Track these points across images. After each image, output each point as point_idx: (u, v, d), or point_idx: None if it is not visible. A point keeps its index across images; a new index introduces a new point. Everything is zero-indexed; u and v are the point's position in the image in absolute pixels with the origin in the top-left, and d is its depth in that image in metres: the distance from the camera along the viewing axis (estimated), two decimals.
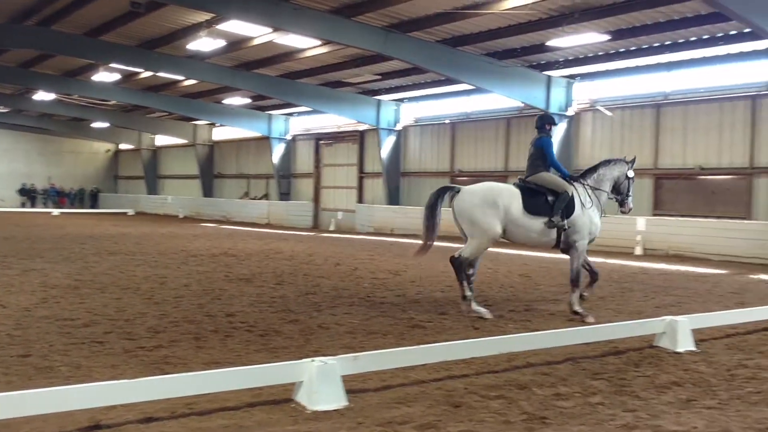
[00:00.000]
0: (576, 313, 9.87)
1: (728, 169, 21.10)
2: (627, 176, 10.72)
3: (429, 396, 6.03)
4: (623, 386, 6.42)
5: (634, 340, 8.17)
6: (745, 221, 19.98)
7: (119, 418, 5.23)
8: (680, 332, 7.94)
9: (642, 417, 5.53)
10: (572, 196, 10.11)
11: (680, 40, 20.33)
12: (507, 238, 10.29)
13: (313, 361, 5.76)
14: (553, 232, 10.07)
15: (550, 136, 10.65)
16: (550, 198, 10.10)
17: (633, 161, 10.94)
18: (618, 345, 8.04)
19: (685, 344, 7.94)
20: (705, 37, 19.82)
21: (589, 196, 10.32)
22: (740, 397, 6.12)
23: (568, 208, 10.04)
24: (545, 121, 10.77)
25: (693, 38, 20.04)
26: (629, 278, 14.84)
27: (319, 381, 5.64)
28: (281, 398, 5.83)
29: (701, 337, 8.42)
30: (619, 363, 7.34)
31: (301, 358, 6.43)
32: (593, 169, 10.67)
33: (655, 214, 22.38)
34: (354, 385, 6.13)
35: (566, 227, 10.06)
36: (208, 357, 7.21)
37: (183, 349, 7.54)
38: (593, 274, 10.45)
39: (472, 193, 10.16)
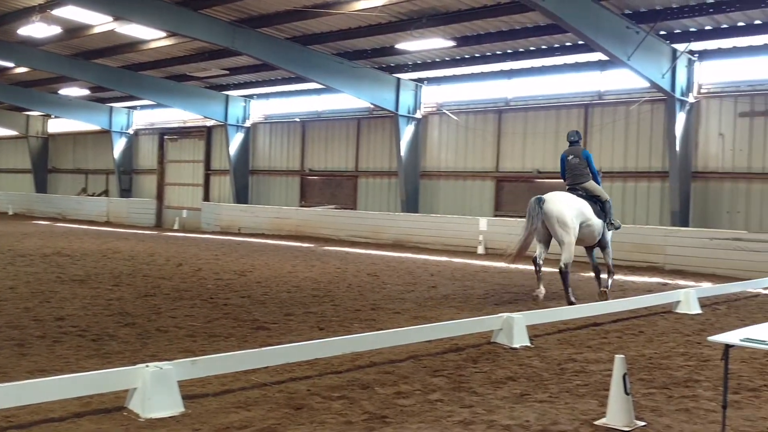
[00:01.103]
0: (605, 294, 11.96)
1: None
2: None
3: (270, 399, 5.91)
4: (462, 382, 6.58)
5: (474, 337, 8.43)
6: None
7: None
8: (516, 329, 8.26)
9: (478, 412, 5.68)
10: None
11: (521, 49, 21.30)
12: None
13: (147, 366, 5.50)
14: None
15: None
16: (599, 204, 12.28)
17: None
18: (458, 342, 8.25)
19: (521, 340, 8.27)
20: (543, 47, 20.88)
21: None
22: (569, 390, 6.43)
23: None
24: (580, 136, 13.17)
25: (532, 48, 21.06)
26: (471, 277, 15.34)
27: (154, 387, 5.38)
28: (113, 407, 5.52)
29: (536, 332, 8.81)
30: (458, 360, 7.53)
31: (136, 363, 6.14)
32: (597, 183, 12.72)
33: (496, 215, 23.31)
34: (192, 390, 5.93)
35: (620, 227, 12.71)
36: (32, 365, 6.72)
37: (4, 357, 6.98)
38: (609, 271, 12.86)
39: (560, 200, 11.71)
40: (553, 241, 11.89)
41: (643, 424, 5.47)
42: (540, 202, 11.56)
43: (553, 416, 5.62)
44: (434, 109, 25.43)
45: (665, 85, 18.43)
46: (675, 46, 18.54)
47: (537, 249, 11.91)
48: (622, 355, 5.51)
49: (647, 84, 18.86)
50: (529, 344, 8.27)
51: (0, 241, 20.85)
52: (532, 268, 12.16)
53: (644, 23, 17.31)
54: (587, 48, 19.08)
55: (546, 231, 11.71)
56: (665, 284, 14.96)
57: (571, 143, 12.89)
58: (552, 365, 7.37)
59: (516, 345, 8.16)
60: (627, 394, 5.39)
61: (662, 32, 18.20)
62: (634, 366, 7.29)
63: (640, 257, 18.39)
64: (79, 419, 5.26)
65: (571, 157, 12.62)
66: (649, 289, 13.82)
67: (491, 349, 8.05)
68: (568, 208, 11.55)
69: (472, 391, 6.31)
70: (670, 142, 19.19)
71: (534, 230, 11.60)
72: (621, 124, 21.05)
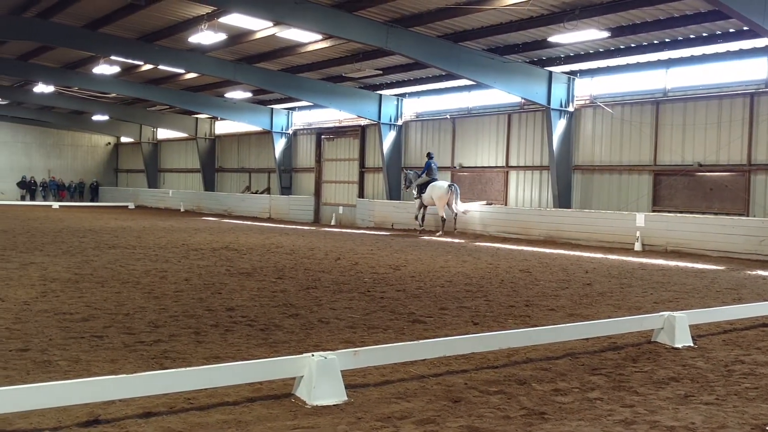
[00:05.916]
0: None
1: (726, 166, 21.11)
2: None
3: (429, 391, 6.04)
4: (621, 381, 6.45)
5: (633, 336, 8.21)
6: (743, 218, 19.98)
7: (118, 413, 5.22)
8: (678, 328, 7.96)
9: (640, 412, 5.55)
10: None
11: (679, 38, 20.32)
12: None
13: (312, 355, 5.74)
14: None
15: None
16: None
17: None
18: (617, 340, 8.07)
19: (683, 340, 7.96)
20: (704, 34, 19.81)
21: None
22: (737, 393, 6.14)
23: None
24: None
25: (692, 36, 20.03)
26: (628, 274, 14.86)
27: (319, 376, 5.62)
28: (281, 393, 5.82)
29: (699, 332, 8.45)
30: (617, 358, 7.36)
31: (301, 352, 6.46)
32: None
33: (654, 211, 22.40)
34: (354, 380, 6.14)
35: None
36: (208, 351, 7.19)
37: (183, 343, 7.51)
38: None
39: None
40: None
41: None
42: (452, 185, 24.88)
43: (721, 419, 5.40)
44: (587, 101, 24.77)
45: None
46: None
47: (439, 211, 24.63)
48: None
49: None
50: (692, 344, 7.95)
51: (174, 236, 22.49)
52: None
53: None
54: (753, 34, 17.90)
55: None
56: None
57: (432, 157, 26.42)
58: (718, 366, 7.06)
59: (678, 345, 7.87)
60: None
61: None
62: None
63: None
64: (251, 404, 5.58)
65: (434, 164, 26.17)
66: None
67: (652, 348, 7.81)
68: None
69: (632, 390, 6.17)
70: None
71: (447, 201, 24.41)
72: None
